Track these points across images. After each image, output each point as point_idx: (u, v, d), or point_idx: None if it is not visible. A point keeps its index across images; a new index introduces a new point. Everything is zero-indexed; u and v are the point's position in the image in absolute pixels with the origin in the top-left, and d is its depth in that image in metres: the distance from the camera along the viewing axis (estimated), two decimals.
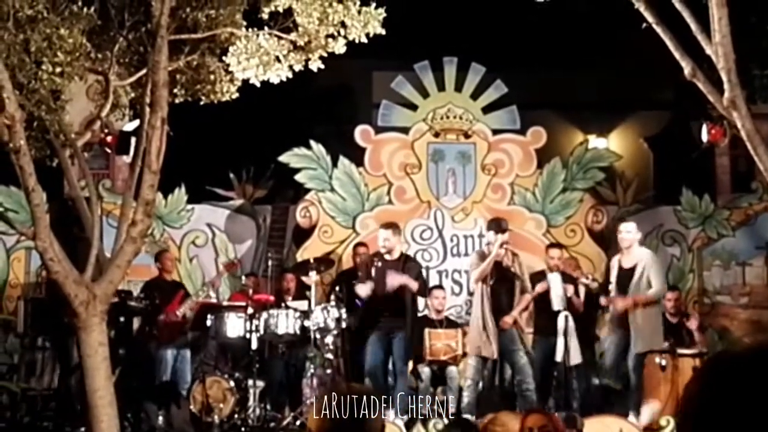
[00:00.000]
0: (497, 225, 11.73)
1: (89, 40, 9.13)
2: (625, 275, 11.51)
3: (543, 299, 11.73)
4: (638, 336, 11.27)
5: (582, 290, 12.01)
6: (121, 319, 11.67)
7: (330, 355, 11.83)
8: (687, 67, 9.81)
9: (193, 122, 10.44)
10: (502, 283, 11.52)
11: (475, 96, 14.74)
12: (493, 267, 11.44)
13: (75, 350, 10.64)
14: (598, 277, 12.22)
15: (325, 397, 3.43)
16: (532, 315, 12.21)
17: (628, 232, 11.70)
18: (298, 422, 11.41)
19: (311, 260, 12.63)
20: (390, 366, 11.84)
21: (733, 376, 1.64)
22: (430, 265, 14.30)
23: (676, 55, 9.85)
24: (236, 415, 11.71)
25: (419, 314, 13.31)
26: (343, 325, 11.78)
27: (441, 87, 14.80)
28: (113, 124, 11.49)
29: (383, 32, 9.82)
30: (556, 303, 11.36)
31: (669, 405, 11.07)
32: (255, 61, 9.82)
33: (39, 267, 12.78)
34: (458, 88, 14.78)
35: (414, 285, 11.61)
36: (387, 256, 11.85)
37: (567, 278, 11.94)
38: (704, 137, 13.10)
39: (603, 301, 11.86)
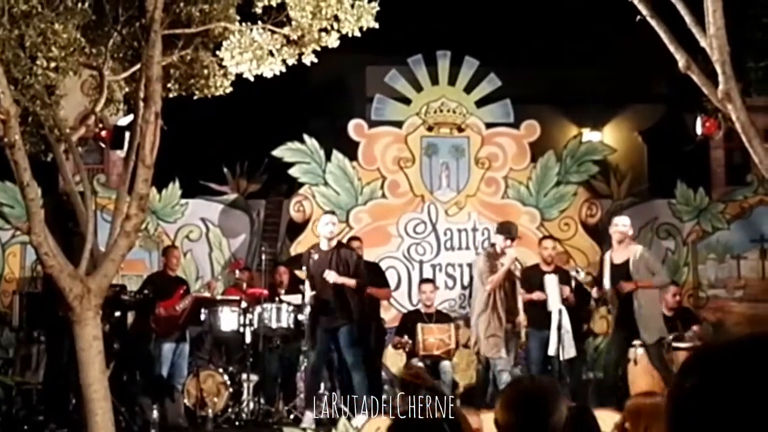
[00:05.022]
0: (508, 231, 11.46)
1: (83, 36, 9.13)
2: (617, 271, 11.31)
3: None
4: (645, 327, 11.17)
5: (572, 283, 11.97)
6: (116, 313, 11.70)
7: None
8: (681, 59, 9.82)
9: (186, 117, 10.44)
10: (508, 285, 11.31)
11: (468, 90, 14.71)
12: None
13: (66, 345, 10.68)
14: (591, 271, 12.20)
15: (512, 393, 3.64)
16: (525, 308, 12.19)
17: (624, 225, 11.54)
18: (291, 416, 11.42)
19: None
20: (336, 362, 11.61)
21: (717, 370, 1.62)
22: (423, 259, 14.32)
23: (671, 47, 9.85)
24: (230, 409, 11.74)
25: (411, 308, 13.34)
26: None
27: (434, 81, 14.76)
28: (107, 119, 11.50)
29: (376, 26, 9.83)
30: (553, 304, 11.35)
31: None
32: (248, 55, 9.83)
33: (34, 261, 12.75)
34: (452, 81, 14.75)
35: (351, 283, 11.07)
36: (323, 246, 11.27)
37: (563, 277, 11.92)
38: (699, 130, 13.13)
39: (595, 293, 11.81)
